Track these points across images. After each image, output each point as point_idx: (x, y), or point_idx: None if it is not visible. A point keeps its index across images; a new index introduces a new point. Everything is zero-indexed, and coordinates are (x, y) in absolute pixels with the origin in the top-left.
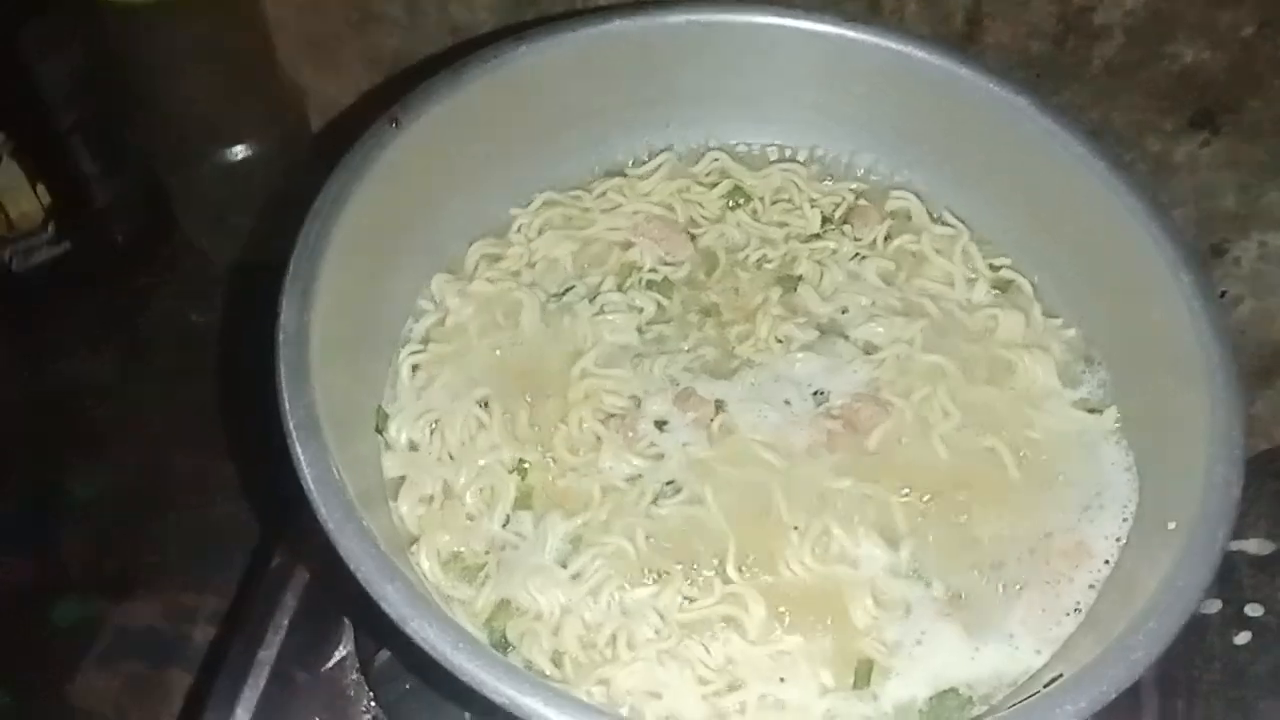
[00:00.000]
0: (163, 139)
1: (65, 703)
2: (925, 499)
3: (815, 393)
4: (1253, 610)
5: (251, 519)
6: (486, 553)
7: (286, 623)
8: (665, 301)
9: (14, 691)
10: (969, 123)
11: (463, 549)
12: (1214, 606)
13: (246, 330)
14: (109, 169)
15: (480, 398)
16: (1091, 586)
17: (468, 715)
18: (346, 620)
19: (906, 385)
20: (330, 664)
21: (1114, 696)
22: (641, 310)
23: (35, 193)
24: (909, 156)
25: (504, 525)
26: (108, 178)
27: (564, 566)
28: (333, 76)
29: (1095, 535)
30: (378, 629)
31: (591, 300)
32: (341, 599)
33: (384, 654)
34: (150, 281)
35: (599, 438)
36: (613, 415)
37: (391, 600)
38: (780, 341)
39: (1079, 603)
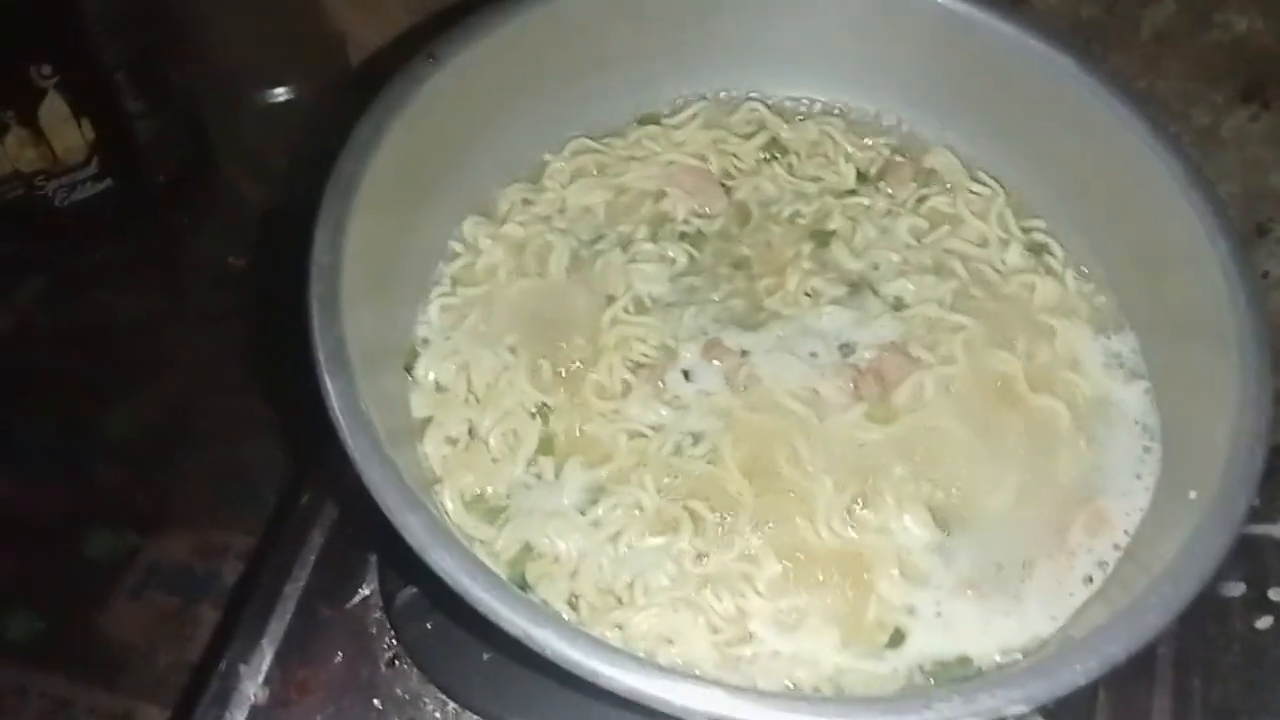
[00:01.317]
0: (205, 79)
1: (97, 632)
2: (950, 452)
3: (841, 345)
4: (1276, 595)
5: (280, 460)
6: (508, 495)
7: (313, 559)
8: (697, 253)
9: (46, 618)
10: (1011, 81)
11: (485, 490)
12: (1237, 589)
13: (281, 273)
14: (152, 107)
15: (508, 342)
16: (1104, 562)
17: (486, 655)
18: (371, 559)
19: (934, 340)
20: (354, 601)
21: (1124, 658)
22: (674, 261)
23: (80, 128)
24: (949, 114)
25: (526, 468)
26: (150, 116)
27: (583, 513)
28: (373, 20)
29: (1116, 506)
30: (401, 563)
31: (624, 249)
32: (367, 534)
33: (406, 593)
34: (189, 222)
35: (628, 385)
36: (642, 365)
37: (413, 530)
38: (809, 295)
39: (1092, 574)
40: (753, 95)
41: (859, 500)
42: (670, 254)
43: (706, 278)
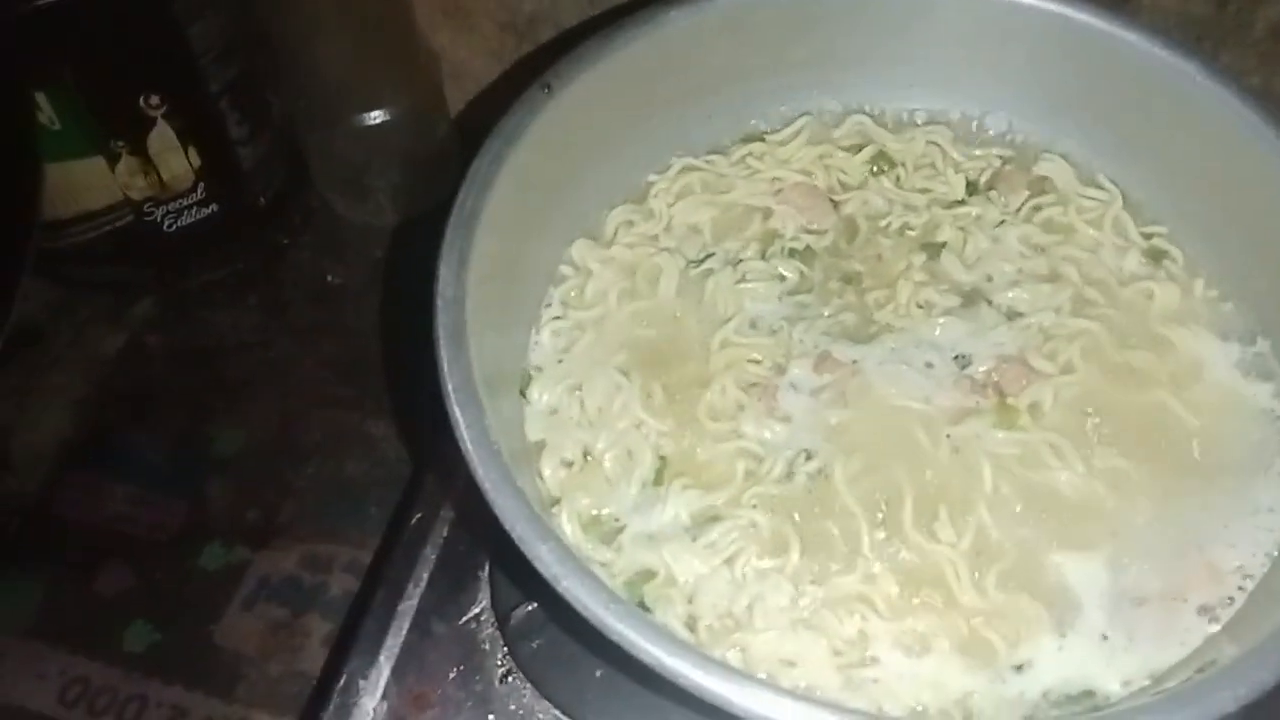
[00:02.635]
0: (303, 103)
1: (210, 642)
2: (1079, 463)
3: (957, 356)
4: None
5: (383, 474)
6: (624, 517)
7: (426, 576)
8: (807, 269)
9: (164, 630)
10: (1130, 87)
11: (601, 512)
12: None
13: (382, 289)
14: (254, 133)
15: (619, 363)
16: (1230, 598)
17: (599, 672)
18: (482, 575)
19: (1052, 349)
20: (467, 617)
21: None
22: (784, 278)
23: (186, 155)
24: (1063, 120)
25: (641, 490)
26: (253, 142)
27: (698, 537)
28: (466, 39)
29: (1245, 539)
30: (516, 580)
31: (734, 267)
32: (478, 550)
33: (521, 610)
34: (288, 242)
35: (741, 406)
36: (754, 384)
37: (545, 560)
38: (921, 307)
39: (1217, 610)
40: (857, 108)
41: (978, 518)
42: (781, 271)
43: (817, 293)
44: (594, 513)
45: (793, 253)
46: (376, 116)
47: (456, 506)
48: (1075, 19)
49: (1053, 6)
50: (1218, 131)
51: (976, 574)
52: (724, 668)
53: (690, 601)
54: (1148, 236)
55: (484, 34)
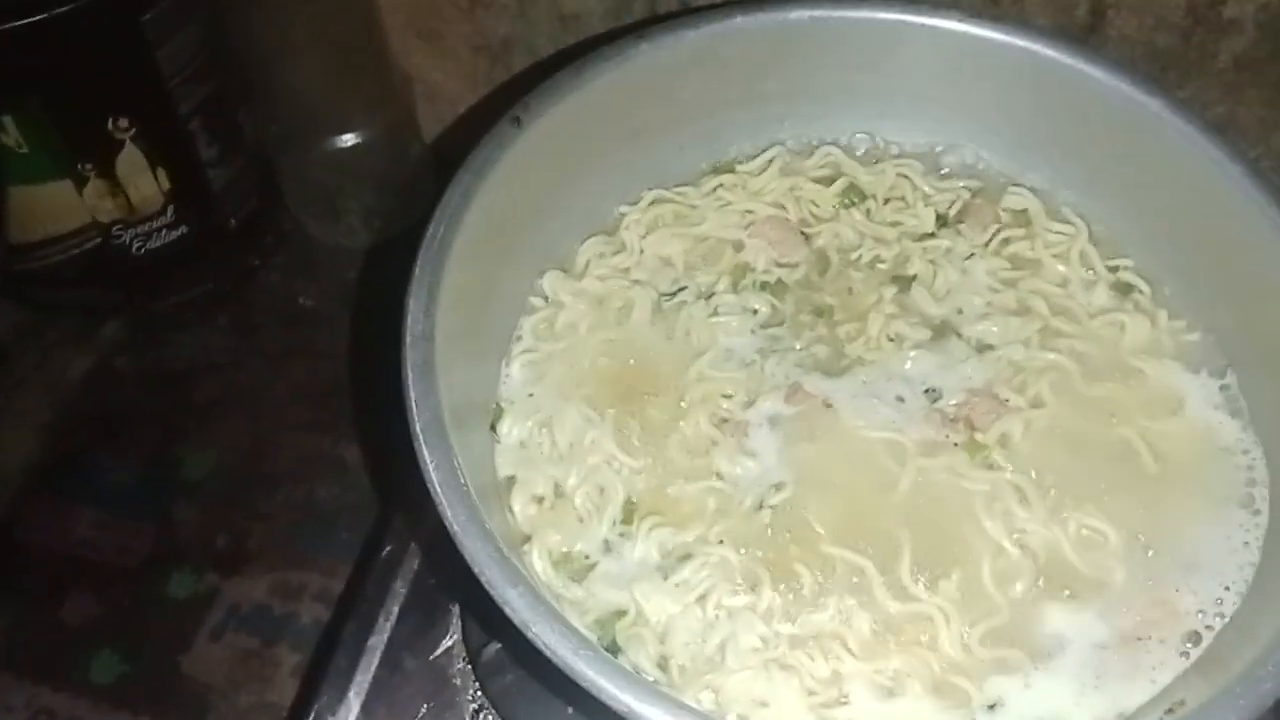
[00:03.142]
0: (275, 125)
1: (179, 672)
2: (1048, 502)
3: (927, 390)
4: None
5: (355, 500)
6: (595, 555)
7: (396, 610)
8: (778, 303)
9: (131, 660)
10: (1096, 121)
11: (573, 550)
12: None
13: (354, 312)
14: (224, 154)
15: (591, 398)
16: (1198, 633)
17: (570, 709)
18: (453, 609)
19: (1021, 382)
20: (438, 652)
21: None
22: (755, 312)
23: (155, 177)
24: (1030, 153)
25: (612, 528)
26: (223, 162)
27: (669, 575)
28: (439, 62)
29: (1216, 573)
30: (489, 621)
31: (706, 300)
32: (449, 585)
33: (492, 647)
34: (259, 264)
35: (714, 441)
36: (726, 419)
37: (515, 605)
38: (892, 340)
39: (1187, 648)
40: (828, 140)
41: (946, 555)
42: (752, 304)
43: (789, 327)
44: (565, 550)
45: (764, 286)
46: (349, 139)
47: (425, 544)
48: (1042, 54)
49: (1019, 42)
50: (1182, 166)
51: (956, 623)
52: (696, 713)
53: (662, 641)
54: (1114, 270)
55: (457, 57)
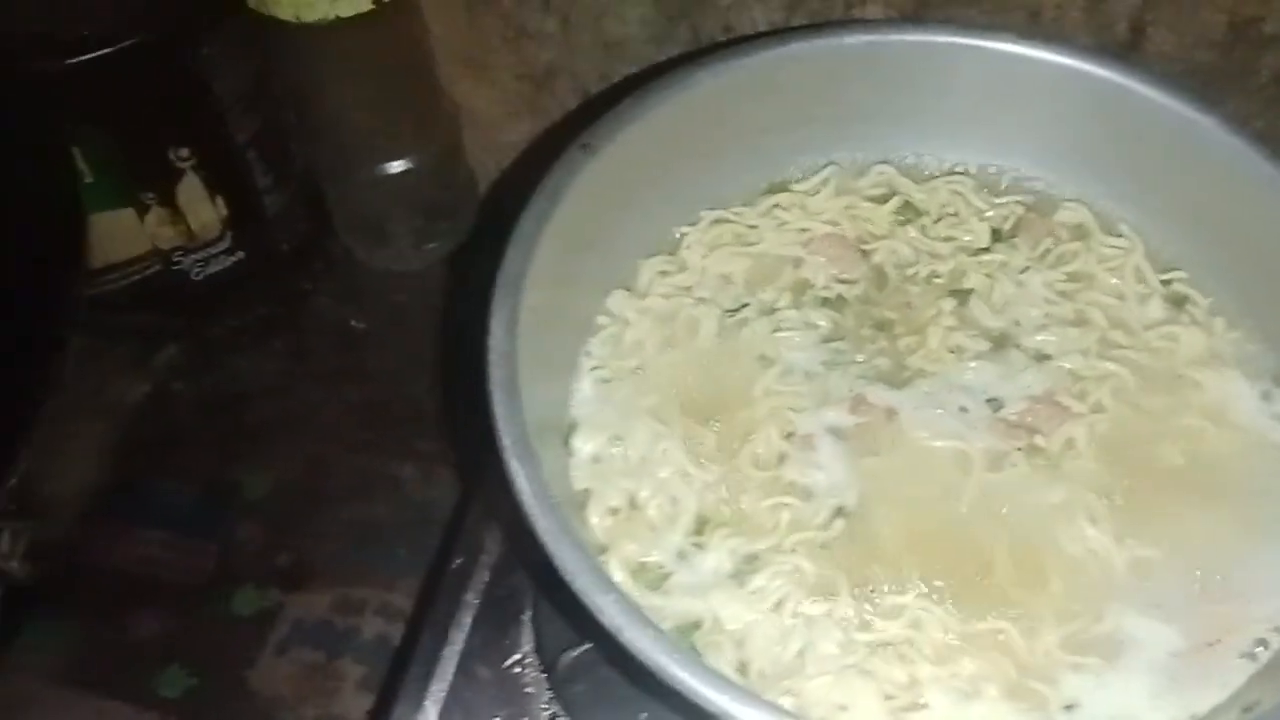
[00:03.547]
0: (326, 153)
1: (246, 686)
2: (1115, 509)
3: (989, 400)
4: None
5: (409, 517)
6: (670, 564)
7: (469, 621)
8: (839, 318)
9: (198, 674)
10: (1147, 137)
11: (648, 560)
12: None
13: (404, 335)
14: (278, 181)
15: (660, 412)
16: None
17: (644, 716)
18: (523, 619)
19: (1082, 390)
20: (510, 661)
21: None
22: (817, 327)
23: (214, 205)
24: (1082, 169)
25: (685, 537)
26: (277, 189)
27: (744, 583)
28: (483, 90)
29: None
30: (577, 628)
31: (769, 316)
32: (520, 594)
33: (568, 655)
34: (310, 287)
35: (783, 455)
36: (793, 433)
37: (608, 612)
38: (952, 352)
39: (1255, 651)
40: (880, 159)
41: (1019, 562)
42: (814, 320)
43: (850, 341)
44: (641, 560)
45: (825, 301)
46: (399, 166)
47: (500, 552)
48: (1092, 73)
49: (1070, 61)
50: (1236, 183)
51: (1031, 628)
52: (793, 716)
53: (740, 647)
54: (1167, 282)
55: (502, 85)
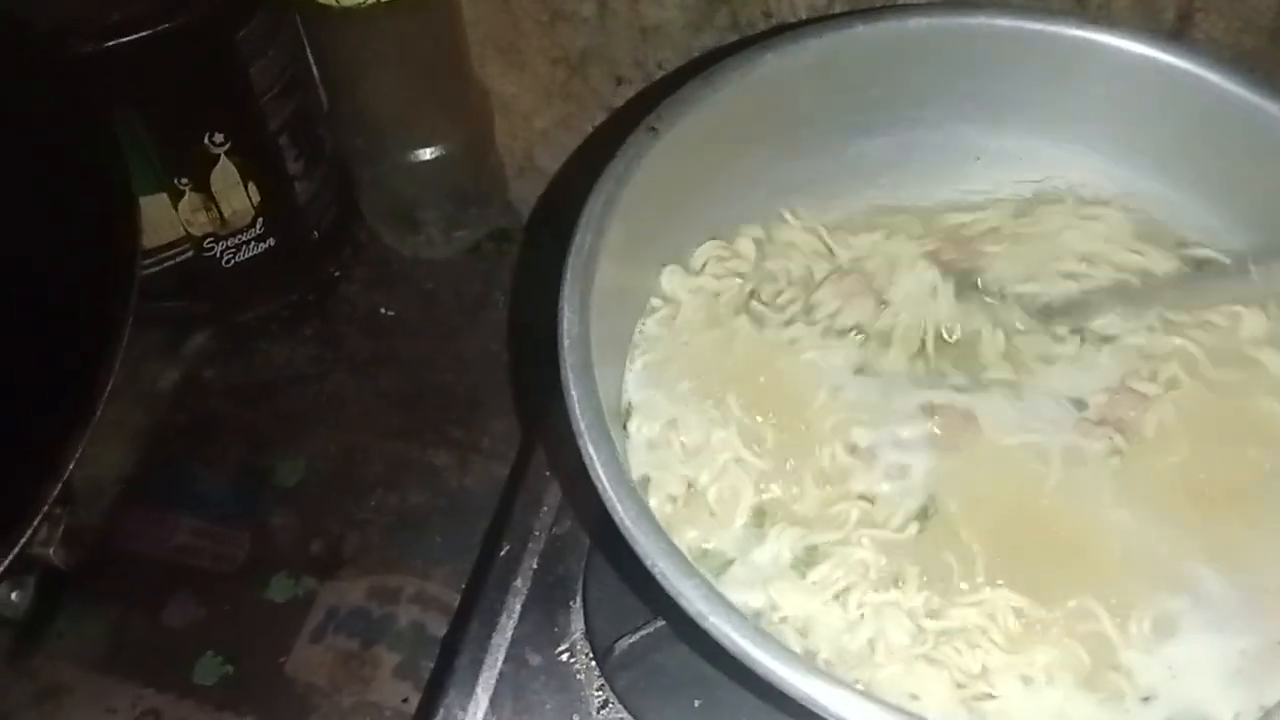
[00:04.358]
0: (356, 139)
1: (281, 673)
2: (1194, 500)
3: (1073, 400)
4: None
5: (444, 505)
6: (732, 552)
7: (519, 608)
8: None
9: (234, 661)
10: (1217, 125)
11: (709, 547)
12: None
13: (435, 322)
14: (309, 167)
15: (716, 397)
16: None
17: (697, 702)
18: (573, 605)
19: (1153, 370)
20: (561, 648)
21: None
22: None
23: (247, 191)
24: (1144, 157)
25: (744, 524)
26: (307, 176)
27: (805, 574)
28: (515, 75)
29: None
30: (656, 606)
31: (832, 318)
32: (569, 581)
33: (623, 641)
34: (339, 274)
35: (849, 470)
36: (858, 446)
37: (690, 597)
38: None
39: None
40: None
41: (1096, 558)
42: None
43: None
44: (704, 546)
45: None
46: (429, 152)
47: (548, 538)
48: (1156, 59)
49: (1131, 46)
50: None
51: (1106, 620)
52: (874, 700)
53: (804, 635)
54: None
55: (534, 70)
